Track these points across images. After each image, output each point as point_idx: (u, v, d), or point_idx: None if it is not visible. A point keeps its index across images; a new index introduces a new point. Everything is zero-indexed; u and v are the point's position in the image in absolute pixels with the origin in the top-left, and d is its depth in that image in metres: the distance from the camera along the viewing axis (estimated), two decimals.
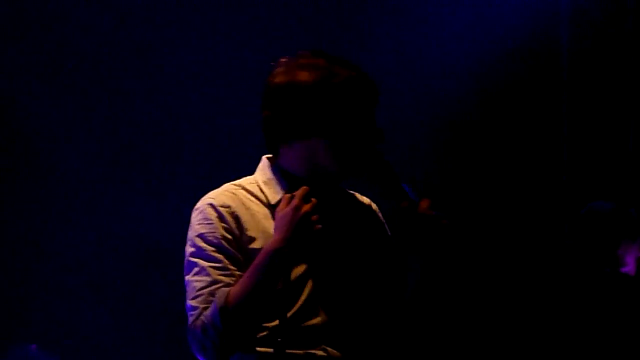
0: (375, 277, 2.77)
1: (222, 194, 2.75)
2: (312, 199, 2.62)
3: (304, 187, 2.65)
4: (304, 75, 2.71)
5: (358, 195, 2.90)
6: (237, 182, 2.81)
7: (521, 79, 5.02)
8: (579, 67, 5.00)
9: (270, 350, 2.64)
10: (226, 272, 2.66)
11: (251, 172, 2.82)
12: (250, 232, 2.69)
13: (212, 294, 2.64)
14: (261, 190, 2.76)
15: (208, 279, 2.66)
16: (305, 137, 2.72)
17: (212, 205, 2.72)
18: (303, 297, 2.69)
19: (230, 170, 3.02)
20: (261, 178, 2.80)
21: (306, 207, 2.60)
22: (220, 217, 2.69)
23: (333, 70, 2.72)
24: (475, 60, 4.99)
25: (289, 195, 2.65)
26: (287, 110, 2.72)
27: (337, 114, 2.70)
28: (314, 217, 2.60)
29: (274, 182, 2.77)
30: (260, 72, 2.85)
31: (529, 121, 5.03)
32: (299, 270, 2.68)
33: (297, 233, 2.60)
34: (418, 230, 2.68)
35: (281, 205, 2.64)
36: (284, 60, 2.77)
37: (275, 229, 2.63)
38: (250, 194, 2.75)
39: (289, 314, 2.63)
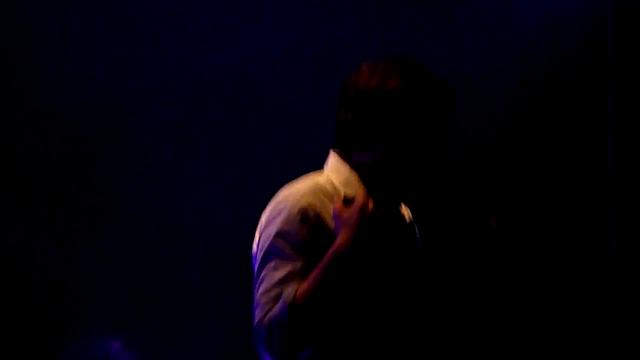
0: (422, 289, 2.78)
1: (307, 193, 2.69)
2: (371, 199, 2.59)
3: (364, 188, 2.66)
4: (393, 82, 2.70)
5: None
6: (313, 178, 2.75)
7: (565, 81, 4.99)
8: (625, 70, 4.96)
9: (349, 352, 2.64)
10: (300, 273, 2.61)
11: (316, 165, 2.80)
12: (330, 233, 2.64)
13: (282, 291, 2.59)
14: (339, 190, 2.72)
15: (280, 275, 2.62)
16: (384, 145, 2.70)
17: (299, 203, 2.66)
18: (386, 300, 2.69)
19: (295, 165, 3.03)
20: (337, 177, 2.75)
21: (372, 206, 2.57)
22: (305, 217, 2.64)
23: (420, 79, 2.70)
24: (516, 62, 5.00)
25: (342, 196, 2.64)
26: (374, 115, 2.70)
27: (421, 123, 2.69)
28: (379, 215, 2.57)
29: (352, 183, 2.73)
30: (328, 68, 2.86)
31: (572, 126, 4.99)
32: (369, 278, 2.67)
33: (364, 232, 2.57)
34: (490, 246, 2.71)
35: (337, 206, 2.61)
36: (370, 63, 2.74)
37: (339, 230, 2.59)
38: (329, 194, 2.71)
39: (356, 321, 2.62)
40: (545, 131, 4.94)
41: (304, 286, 2.57)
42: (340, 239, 2.58)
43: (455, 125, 2.74)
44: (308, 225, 2.63)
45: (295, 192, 2.69)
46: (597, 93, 4.96)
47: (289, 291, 2.58)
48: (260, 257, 2.67)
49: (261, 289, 2.64)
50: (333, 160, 2.77)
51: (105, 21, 4.86)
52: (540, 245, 4.82)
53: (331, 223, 2.64)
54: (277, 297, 2.59)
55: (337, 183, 2.72)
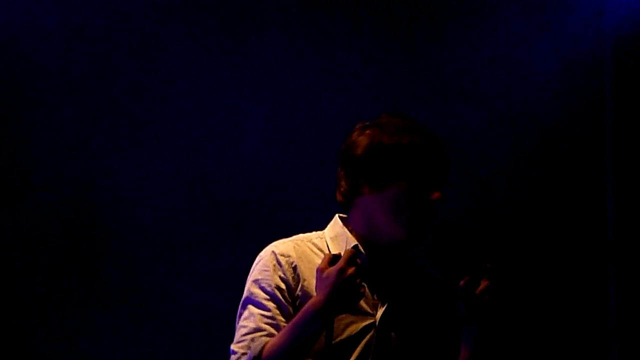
0: (419, 344, 2.78)
1: (285, 244, 2.80)
2: (358, 260, 2.61)
3: (351, 249, 2.66)
4: (378, 138, 2.78)
5: (428, 271, 2.91)
6: (305, 234, 2.85)
7: (563, 134, 4.94)
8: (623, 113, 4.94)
9: None
10: (272, 322, 2.70)
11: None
12: (307, 284, 2.73)
13: (253, 340, 2.68)
14: (327, 245, 2.81)
15: (253, 325, 2.70)
16: (364, 193, 2.77)
17: (273, 252, 2.77)
18: (350, 355, 2.70)
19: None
20: (329, 233, 2.84)
21: (351, 270, 2.59)
22: (278, 265, 2.74)
23: (403, 133, 2.77)
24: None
25: (329, 254, 2.67)
26: (350, 168, 2.79)
27: (395, 174, 2.74)
28: (358, 281, 2.60)
29: (340, 238, 2.80)
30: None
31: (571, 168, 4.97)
32: (351, 330, 2.71)
33: (338, 295, 2.59)
34: (473, 309, 2.71)
35: (322, 263, 2.63)
36: (359, 125, 2.84)
37: (316, 288, 2.63)
38: (315, 247, 2.80)
39: None
40: (544, 186, 4.91)
41: (273, 340, 2.64)
42: (315, 298, 2.62)
43: (450, 180, 2.80)
44: (280, 273, 2.73)
45: (275, 243, 2.81)
46: (595, 149, 4.92)
47: (257, 344, 2.65)
48: (240, 305, 2.77)
49: (236, 338, 2.73)
50: (332, 221, 2.87)
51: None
52: (538, 305, 4.80)
53: (309, 273, 2.73)
54: (248, 347, 2.68)
55: (328, 239, 2.82)
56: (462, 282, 2.70)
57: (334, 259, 2.62)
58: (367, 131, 2.79)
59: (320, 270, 2.62)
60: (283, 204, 4.83)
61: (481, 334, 2.71)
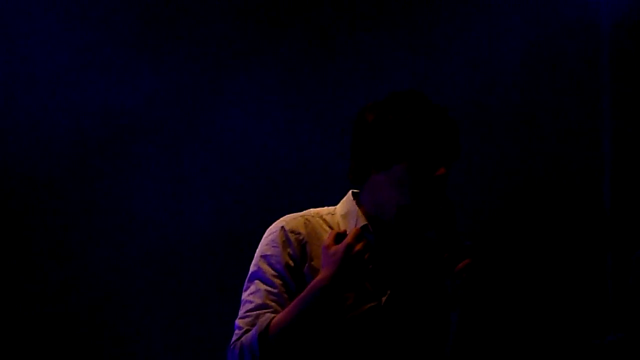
0: (422, 327, 2.77)
1: (296, 220, 2.78)
2: (365, 239, 2.62)
3: (358, 227, 2.67)
4: (371, 115, 2.78)
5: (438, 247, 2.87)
6: (317, 209, 2.84)
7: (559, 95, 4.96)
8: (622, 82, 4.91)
9: None
10: (279, 299, 2.70)
11: None
12: (316, 263, 2.72)
13: (258, 317, 2.68)
14: (338, 223, 2.80)
15: (259, 301, 2.70)
16: (371, 172, 2.77)
17: (283, 228, 2.76)
18: (356, 338, 2.69)
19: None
20: (341, 210, 2.82)
21: (359, 247, 2.60)
22: (288, 242, 2.73)
23: (408, 111, 2.75)
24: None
25: (334, 231, 2.67)
26: (357, 147, 2.79)
27: (399, 152, 2.72)
28: (365, 257, 2.61)
29: (351, 216, 2.79)
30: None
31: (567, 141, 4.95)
32: (352, 313, 2.70)
33: (345, 272, 2.60)
34: (453, 285, 2.70)
35: (328, 240, 2.65)
36: (371, 104, 2.83)
37: (323, 265, 2.64)
38: (326, 224, 2.79)
39: (337, 351, 2.65)
40: (540, 171, 4.91)
41: (279, 317, 2.65)
42: (321, 275, 2.63)
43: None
44: (290, 250, 2.73)
45: (286, 218, 2.79)
46: (593, 135, 4.92)
47: (263, 320, 2.65)
48: (247, 278, 2.77)
49: (241, 312, 2.73)
50: (345, 197, 2.86)
51: None
52: (536, 292, 4.80)
53: (318, 250, 2.72)
54: (253, 323, 2.67)
55: (339, 216, 2.81)
56: (445, 254, 2.69)
57: (339, 236, 2.63)
58: (375, 109, 2.78)
59: (326, 247, 2.63)
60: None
61: (464, 314, 2.69)
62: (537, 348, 4.76)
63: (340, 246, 2.60)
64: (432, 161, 2.72)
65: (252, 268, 2.77)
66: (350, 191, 2.84)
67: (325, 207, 2.85)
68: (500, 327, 4.73)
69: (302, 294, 2.64)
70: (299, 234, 2.75)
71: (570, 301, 4.81)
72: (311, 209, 2.83)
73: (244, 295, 2.75)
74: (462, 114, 4.77)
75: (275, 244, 2.74)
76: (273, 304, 2.69)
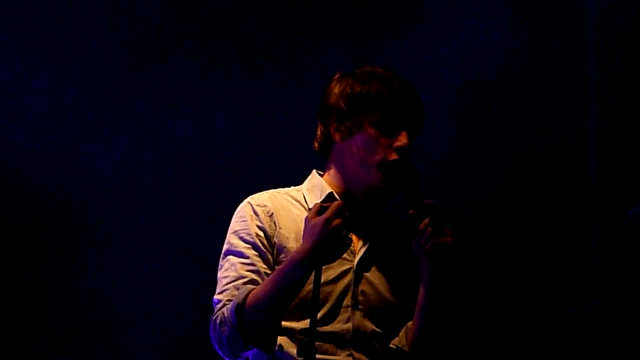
0: (396, 289, 2.83)
1: (261, 195, 2.86)
2: (346, 213, 2.63)
3: (339, 201, 2.67)
4: (338, 84, 2.85)
5: (397, 218, 2.95)
6: (282, 188, 2.92)
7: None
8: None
9: (294, 352, 2.70)
10: (253, 268, 2.74)
11: None
12: (285, 231, 2.78)
13: (237, 288, 2.71)
14: (303, 196, 2.86)
15: (235, 274, 2.74)
16: (336, 141, 2.84)
17: (249, 203, 2.82)
18: (330, 303, 2.75)
19: None
20: (306, 186, 2.90)
21: (337, 222, 2.60)
22: (255, 215, 2.80)
23: (371, 81, 2.81)
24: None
25: (319, 203, 2.68)
26: (323, 116, 2.87)
27: (363, 122, 2.79)
28: (344, 232, 2.62)
29: (316, 188, 2.86)
30: None
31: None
32: (330, 274, 2.75)
33: (324, 246, 2.60)
34: (418, 242, 2.73)
35: (310, 213, 2.65)
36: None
37: (303, 237, 2.66)
38: (292, 198, 2.86)
39: (317, 317, 2.65)
40: (526, 143, 4.92)
41: (257, 289, 2.67)
42: (301, 247, 2.65)
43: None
44: (257, 222, 2.77)
45: (252, 196, 2.86)
46: (578, 105, 4.93)
47: (242, 291, 2.67)
48: (220, 257, 2.81)
49: (217, 289, 2.76)
50: (310, 175, 2.93)
51: None
52: (523, 262, 4.84)
53: (286, 221, 2.78)
54: (232, 295, 2.70)
55: (304, 190, 2.87)
56: (408, 218, 2.73)
57: (321, 209, 2.63)
58: (342, 80, 2.84)
59: (307, 220, 2.64)
60: None
61: (433, 269, 2.72)
62: (517, 317, 4.77)
63: (320, 220, 2.61)
64: (394, 132, 2.78)
65: (224, 247, 2.81)
66: (314, 170, 2.91)
67: (292, 187, 2.92)
68: (480, 295, 4.75)
69: (281, 266, 2.67)
70: (265, 206, 2.81)
71: (554, 270, 4.83)
72: (277, 189, 2.89)
73: (220, 273, 2.79)
74: (453, 84, 4.88)
75: (243, 219, 2.79)
76: (249, 273, 2.74)
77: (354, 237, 2.80)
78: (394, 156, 2.75)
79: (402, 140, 2.76)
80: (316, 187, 2.86)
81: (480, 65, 4.90)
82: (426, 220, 2.69)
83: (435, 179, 4.76)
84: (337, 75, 2.88)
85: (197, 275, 4.66)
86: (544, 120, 4.90)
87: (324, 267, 2.64)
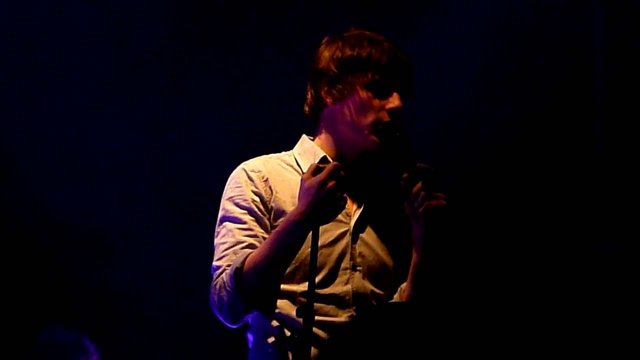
0: (392, 250, 2.85)
1: (254, 161, 2.86)
2: (342, 173, 2.63)
3: (335, 162, 2.68)
4: (328, 47, 2.86)
5: (390, 182, 2.96)
6: (274, 154, 2.92)
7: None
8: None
9: (293, 314, 2.70)
10: (251, 233, 2.74)
11: None
12: (281, 196, 2.78)
13: (235, 253, 2.71)
14: (296, 160, 2.86)
15: (232, 240, 2.74)
16: (327, 105, 2.84)
17: (243, 169, 2.82)
18: (329, 265, 2.76)
19: None
20: (297, 150, 2.91)
21: (332, 184, 2.60)
22: (250, 179, 2.80)
23: (361, 45, 2.81)
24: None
25: (314, 164, 2.67)
26: (314, 80, 2.87)
27: (354, 84, 2.79)
28: (339, 194, 2.62)
29: (309, 152, 2.86)
30: None
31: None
32: (327, 237, 2.76)
33: (319, 208, 2.60)
34: (411, 206, 2.73)
35: (306, 174, 2.65)
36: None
37: (299, 198, 2.65)
38: (285, 163, 2.86)
39: (315, 279, 2.62)
40: (531, 104, 4.91)
41: (254, 252, 2.68)
42: (296, 208, 2.65)
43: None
44: (252, 187, 2.77)
45: (245, 162, 2.85)
46: (584, 69, 4.91)
47: (239, 256, 2.68)
48: (216, 224, 2.79)
49: (215, 256, 2.77)
50: (300, 140, 2.94)
51: None
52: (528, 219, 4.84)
53: (281, 185, 2.78)
54: (231, 260, 2.70)
55: (296, 155, 2.87)
56: (402, 182, 2.75)
57: (317, 169, 2.63)
58: (331, 44, 2.85)
59: (303, 180, 2.64)
60: None
61: (426, 233, 2.73)
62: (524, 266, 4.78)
63: (314, 181, 2.61)
64: (386, 94, 2.79)
65: (220, 214, 2.81)
66: (304, 135, 2.91)
67: (282, 152, 2.91)
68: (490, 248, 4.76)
69: (278, 228, 2.68)
70: (260, 171, 2.80)
71: (561, 218, 4.82)
72: (268, 154, 2.88)
73: (216, 240, 2.78)
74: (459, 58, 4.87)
75: (238, 184, 2.79)
76: (246, 238, 2.74)
77: (348, 200, 2.79)
78: (387, 118, 2.77)
79: (395, 101, 2.78)
80: (309, 151, 2.86)
81: (488, 29, 4.90)
82: (419, 184, 2.70)
83: (444, 138, 4.80)
84: (325, 39, 2.88)
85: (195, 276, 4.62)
86: (549, 80, 4.89)
87: (320, 230, 2.65)
